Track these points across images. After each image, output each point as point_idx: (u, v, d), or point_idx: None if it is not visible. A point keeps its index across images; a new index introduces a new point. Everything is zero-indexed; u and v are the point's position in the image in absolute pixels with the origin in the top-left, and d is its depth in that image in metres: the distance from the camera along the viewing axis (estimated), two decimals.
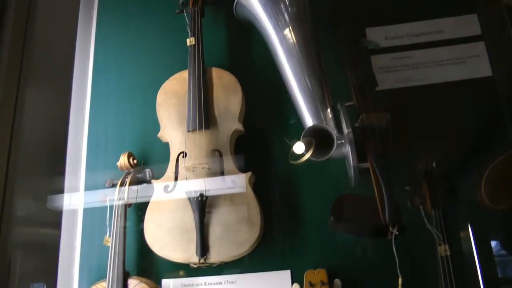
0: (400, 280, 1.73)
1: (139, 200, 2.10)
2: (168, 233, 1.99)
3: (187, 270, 2.04)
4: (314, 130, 1.85)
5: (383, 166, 1.76)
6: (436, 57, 2.25)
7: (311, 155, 1.84)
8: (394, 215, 1.71)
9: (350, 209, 1.85)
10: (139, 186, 2.10)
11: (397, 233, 1.70)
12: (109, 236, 2.02)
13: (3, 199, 1.99)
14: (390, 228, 1.71)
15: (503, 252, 1.96)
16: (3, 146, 2.06)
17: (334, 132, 1.84)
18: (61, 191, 2.26)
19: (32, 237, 2.25)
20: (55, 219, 2.25)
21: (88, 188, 2.27)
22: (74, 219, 2.24)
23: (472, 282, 1.87)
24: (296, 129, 2.00)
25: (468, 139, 2.08)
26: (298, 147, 1.93)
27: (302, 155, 1.92)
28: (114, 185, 2.11)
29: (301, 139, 1.84)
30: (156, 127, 2.18)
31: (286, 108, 2.17)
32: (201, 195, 1.95)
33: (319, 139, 1.84)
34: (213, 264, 1.96)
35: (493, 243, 1.95)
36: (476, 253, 1.91)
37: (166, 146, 2.16)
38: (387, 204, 1.71)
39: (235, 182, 2.01)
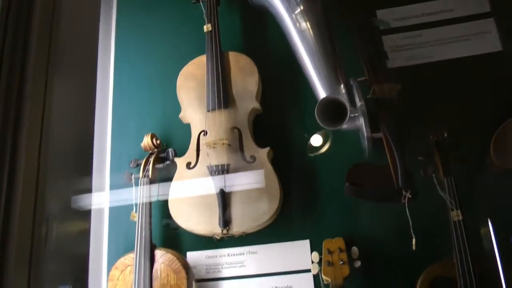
0: (413, 240, 1.80)
1: (163, 177, 2.20)
2: (191, 207, 2.08)
3: (211, 243, 2.12)
4: (328, 101, 1.93)
5: (395, 134, 1.83)
6: (446, 35, 2.31)
7: (326, 125, 1.91)
8: (407, 180, 1.78)
9: (365, 176, 1.92)
10: (162, 164, 2.20)
11: (409, 196, 1.77)
12: (136, 211, 2.11)
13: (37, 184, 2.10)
14: (403, 192, 1.78)
15: None
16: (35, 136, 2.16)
17: (346, 102, 1.91)
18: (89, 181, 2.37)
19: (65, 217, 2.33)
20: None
21: (114, 170, 2.38)
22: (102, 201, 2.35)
23: (484, 245, 1.93)
24: (310, 104, 2.06)
25: (479, 110, 2.13)
26: (316, 140, 2.05)
27: (320, 147, 2.01)
28: (138, 165, 2.21)
29: (315, 112, 1.91)
30: (177, 110, 2.29)
31: (301, 87, 2.26)
32: (222, 169, 2.04)
33: (333, 111, 1.92)
34: (235, 235, 2.04)
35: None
36: (490, 218, 1.97)
37: (187, 128, 2.26)
38: (400, 170, 1.79)
39: (255, 157, 2.09)
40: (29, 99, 2.13)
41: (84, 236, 2.31)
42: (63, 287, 2.22)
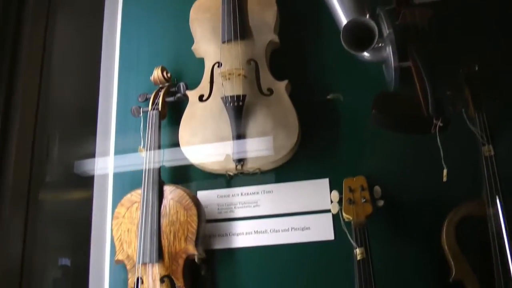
0: (445, 171, 1.67)
1: (173, 110, 2.09)
2: (203, 142, 1.95)
3: (223, 181, 2.01)
4: (354, 23, 1.80)
5: (425, 59, 1.70)
6: None
7: (352, 49, 1.79)
8: (438, 106, 1.66)
9: (393, 104, 1.80)
10: (173, 97, 2.08)
11: (441, 124, 1.64)
12: (143, 146, 1.99)
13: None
14: (434, 121, 1.65)
15: None
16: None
17: (375, 25, 1.78)
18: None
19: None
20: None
21: (120, 108, 2.26)
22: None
23: None
24: (332, 37, 1.96)
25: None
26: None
27: None
28: (147, 99, 2.09)
29: (341, 36, 1.78)
30: (189, 46, 2.16)
31: (321, 20, 2.15)
32: (238, 100, 1.91)
33: (359, 38, 1.79)
34: (249, 171, 1.92)
35: None
36: None
37: (199, 63, 2.13)
38: (430, 96, 1.66)
39: (272, 90, 1.97)
40: (27, 40, 2.02)
41: (87, 201, 2.20)
42: (64, 259, 2.12)
